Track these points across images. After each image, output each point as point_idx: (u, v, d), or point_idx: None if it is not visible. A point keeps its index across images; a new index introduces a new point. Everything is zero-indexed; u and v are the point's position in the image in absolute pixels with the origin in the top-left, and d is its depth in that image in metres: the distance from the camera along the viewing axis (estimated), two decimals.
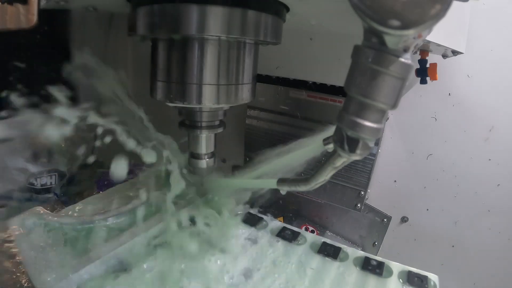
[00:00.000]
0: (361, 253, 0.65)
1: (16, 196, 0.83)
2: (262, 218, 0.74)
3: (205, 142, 0.57)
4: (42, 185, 0.85)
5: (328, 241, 0.67)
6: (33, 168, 0.84)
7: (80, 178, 0.93)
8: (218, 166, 0.65)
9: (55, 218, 0.58)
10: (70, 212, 0.66)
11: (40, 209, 0.59)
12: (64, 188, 0.89)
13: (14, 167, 0.83)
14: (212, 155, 0.60)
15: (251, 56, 0.50)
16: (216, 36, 0.44)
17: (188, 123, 0.56)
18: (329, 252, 0.64)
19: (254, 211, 0.77)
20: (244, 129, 1.01)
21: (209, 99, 0.47)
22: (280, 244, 0.67)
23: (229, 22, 0.42)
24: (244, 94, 0.51)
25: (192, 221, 0.64)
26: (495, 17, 0.80)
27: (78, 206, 0.68)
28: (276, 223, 0.73)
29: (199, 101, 0.47)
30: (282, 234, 0.69)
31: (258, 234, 0.70)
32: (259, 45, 0.52)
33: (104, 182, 0.87)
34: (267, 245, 0.67)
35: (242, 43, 0.48)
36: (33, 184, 0.84)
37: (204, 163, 0.59)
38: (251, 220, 0.73)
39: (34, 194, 0.85)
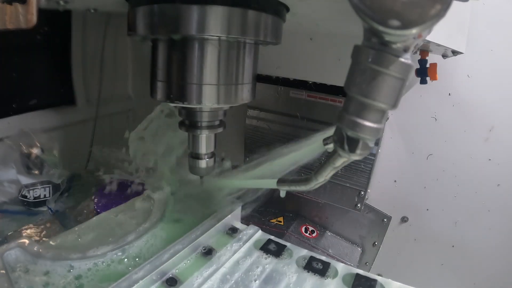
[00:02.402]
0: (396, 285, 0.56)
1: (8, 209, 0.79)
2: (285, 246, 0.62)
3: (205, 142, 0.57)
4: (35, 197, 0.81)
5: (362, 272, 0.58)
6: (24, 180, 0.80)
7: (75, 190, 0.88)
8: (218, 166, 0.65)
9: (40, 251, 0.49)
10: (60, 241, 0.56)
11: (24, 241, 0.50)
12: (58, 201, 0.84)
13: (5, 179, 0.79)
14: (212, 155, 0.60)
15: (251, 56, 0.50)
16: (216, 36, 0.43)
17: (188, 123, 0.55)
18: (364, 285, 0.56)
19: (275, 237, 0.65)
20: (244, 129, 1.01)
21: (209, 99, 0.47)
22: (309, 278, 0.56)
23: (229, 22, 0.42)
24: (244, 94, 0.51)
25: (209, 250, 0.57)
26: (495, 17, 0.80)
27: (71, 234, 0.58)
28: (302, 252, 0.61)
29: (199, 101, 0.47)
30: (311, 267, 0.58)
31: (282, 266, 0.57)
32: (259, 45, 0.52)
33: (101, 199, 0.80)
34: (295, 281, 0.55)
35: (242, 43, 0.48)
36: (25, 197, 0.80)
37: (204, 163, 0.59)
38: (272, 248, 0.61)
39: (27, 207, 0.81)
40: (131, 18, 0.46)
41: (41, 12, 0.30)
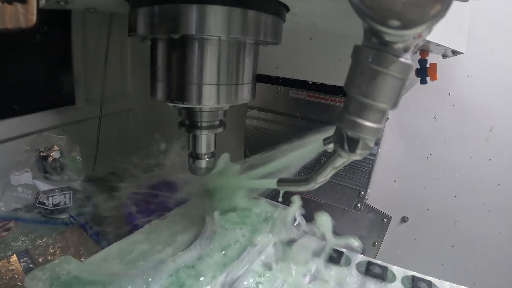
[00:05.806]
0: (447, 285, 0.59)
1: (25, 217, 0.73)
2: (343, 253, 0.64)
3: (205, 142, 0.57)
4: (54, 204, 0.74)
5: (417, 274, 0.60)
6: (42, 186, 0.73)
7: (97, 197, 0.79)
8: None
9: (87, 267, 0.46)
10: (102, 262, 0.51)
11: (69, 258, 0.47)
12: (81, 209, 0.77)
13: (18, 183, 0.72)
14: (212, 155, 0.60)
15: (251, 56, 0.50)
16: (216, 36, 0.43)
17: (188, 123, 0.55)
18: (422, 286, 0.58)
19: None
20: (244, 129, 1.01)
21: (209, 99, 0.47)
22: (373, 284, 0.58)
23: (229, 22, 0.42)
24: (244, 94, 0.51)
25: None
26: (495, 17, 0.80)
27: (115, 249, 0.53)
28: (358, 257, 0.64)
29: (199, 101, 0.47)
30: (371, 272, 0.60)
31: (346, 274, 0.59)
32: (259, 45, 0.52)
33: (132, 206, 0.73)
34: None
35: (242, 43, 0.48)
36: (44, 204, 0.73)
37: (204, 163, 0.59)
38: (333, 255, 0.63)
39: (46, 215, 0.74)
40: (131, 18, 0.46)
41: (41, 12, 0.30)
